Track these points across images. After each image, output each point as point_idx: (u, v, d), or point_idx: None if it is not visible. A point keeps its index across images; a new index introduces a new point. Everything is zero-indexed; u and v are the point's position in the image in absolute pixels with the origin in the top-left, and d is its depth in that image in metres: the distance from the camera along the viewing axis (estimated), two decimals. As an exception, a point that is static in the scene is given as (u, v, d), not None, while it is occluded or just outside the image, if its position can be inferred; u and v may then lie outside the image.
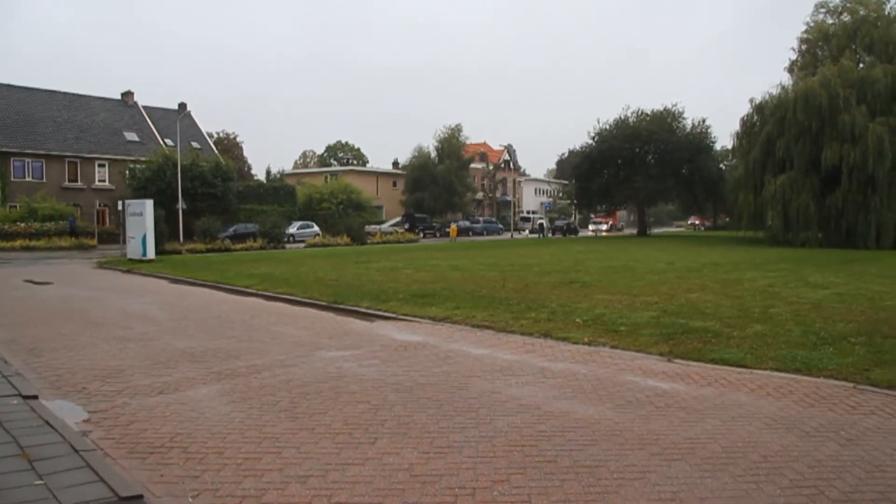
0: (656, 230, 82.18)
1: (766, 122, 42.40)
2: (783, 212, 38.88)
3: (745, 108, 45.05)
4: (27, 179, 50.79)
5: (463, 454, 5.62)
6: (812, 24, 46.27)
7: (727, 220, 66.98)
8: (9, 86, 55.45)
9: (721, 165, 61.99)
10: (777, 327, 10.99)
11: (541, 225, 72.10)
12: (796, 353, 9.05)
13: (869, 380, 7.79)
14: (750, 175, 42.01)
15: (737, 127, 46.45)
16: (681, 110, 59.53)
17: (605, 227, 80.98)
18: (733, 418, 6.51)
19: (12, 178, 50.16)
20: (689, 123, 59.07)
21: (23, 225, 43.17)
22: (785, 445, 5.77)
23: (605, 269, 22.50)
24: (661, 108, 59.71)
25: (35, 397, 7.25)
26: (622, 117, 60.43)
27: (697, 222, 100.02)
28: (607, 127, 60.42)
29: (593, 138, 60.88)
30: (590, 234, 75.51)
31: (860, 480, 5.02)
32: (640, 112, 60.34)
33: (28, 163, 51.23)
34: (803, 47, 46.93)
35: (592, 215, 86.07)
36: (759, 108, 44.07)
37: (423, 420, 6.54)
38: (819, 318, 11.77)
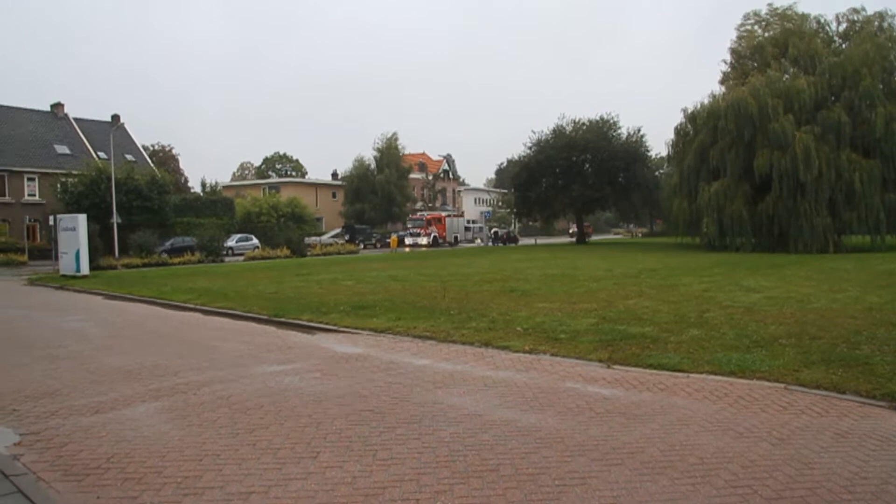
0: (595, 237, 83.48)
1: (699, 130, 43.49)
2: (718, 218, 39.88)
3: (679, 118, 46.04)
4: (-50, 193, 48.90)
5: (406, 465, 5.62)
6: (743, 35, 47.61)
7: (664, 226, 68.42)
8: (-71, 97, 53.32)
9: (657, 173, 63.34)
10: (712, 331, 11.26)
11: (495, 233, 73.59)
12: (731, 357, 9.29)
13: (798, 380, 8.05)
14: (685, 182, 43.03)
15: (671, 136, 47.59)
16: (616, 119, 60.72)
17: (423, 240, 63.75)
18: (671, 422, 6.65)
19: (-66, 193, 48.25)
20: (624, 132, 60.23)
21: (-54, 241, 41.66)
22: (720, 447, 5.92)
23: (545, 277, 22.74)
24: (598, 118, 60.76)
25: (-39, 421, 7.01)
26: (559, 126, 61.27)
27: (633, 227, 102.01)
28: (544, 136, 61.17)
29: (531, 148, 61.58)
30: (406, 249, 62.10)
31: (790, 478, 5.18)
32: (576, 121, 61.29)
33: (-49, 176, 49.34)
34: (733, 58, 48.25)
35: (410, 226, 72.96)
36: (692, 118, 45.19)
37: (365, 432, 6.52)
38: (752, 322, 12.10)
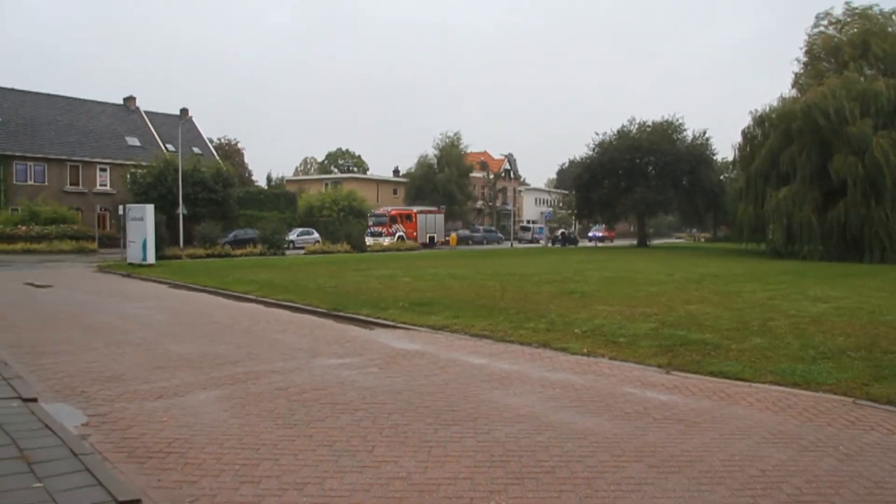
0: (657, 241, 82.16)
1: (767, 134, 42.41)
2: (785, 224, 38.79)
3: (745, 121, 45.06)
4: (29, 183, 50.84)
5: (461, 464, 5.62)
6: (816, 36, 46.29)
7: (727, 231, 66.97)
8: (12, 90, 55.62)
9: (722, 177, 62.00)
10: (776, 340, 10.98)
11: (562, 234, 71.49)
12: (795, 367, 9.04)
13: (868, 395, 7.77)
14: (751, 187, 42.01)
15: (738, 139, 46.49)
16: (682, 122, 59.67)
17: (386, 240, 55.35)
18: (731, 431, 6.51)
19: (14, 182, 50.22)
20: (689, 135, 59.16)
21: (24, 228, 43.23)
22: (783, 460, 5.76)
23: (605, 280, 22.50)
24: (662, 120, 59.83)
25: (35, 400, 7.28)
26: (624, 128, 60.54)
27: (696, 232, 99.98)
28: (608, 138, 60.49)
29: (594, 149, 60.95)
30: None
31: (858, 497, 5.01)
32: (641, 123, 60.47)
33: (30, 166, 51.30)
34: (807, 59, 46.98)
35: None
36: (761, 121, 44.09)
37: (420, 429, 6.54)
38: (818, 332, 11.76)
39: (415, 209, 61.81)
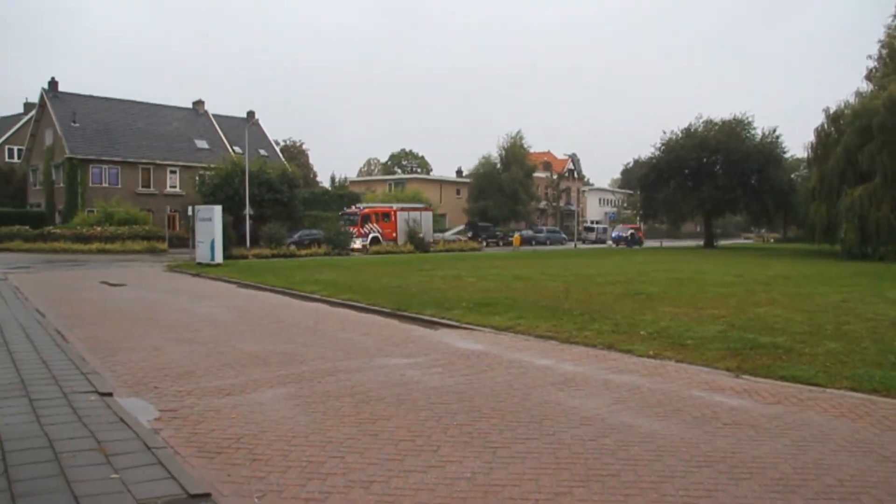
0: (724, 242, 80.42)
1: (843, 130, 41.04)
2: (860, 224, 37.46)
3: (819, 119, 43.49)
4: (104, 185, 52.65)
5: (525, 465, 5.60)
6: (893, 27, 44.64)
7: (798, 232, 65.12)
8: (89, 96, 57.69)
9: (792, 176, 60.31)
10: (852, 345, 10.62)
11: (632, 234, 70.51)
12: (873, 373, 8.72)
13: (953, 404, 7.46)
14: (824, 186, 40.76)
15: (809, 137, 45.14)
16: (751, 119, 58.23)
17: (357, 242, 48.38)
18: (805, 438, 6.32)
19: (90, 184, 52.06)
20: (758, 133, 57.72)
21: (99, 229, 44.76)
22: (861, 470, 5.56)
23: (671, 281, 22.14)
24: (731, 118, 58.51)
25: (110, 395, 7.52)
26: (691, 126, 59.43)
27: (764, 232, 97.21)
28: (675, 136, 59.47)
29: (660, 148, 59.99)
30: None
31: (941, 507, 4.82)
32: (708, 121, 59.27)
33: (105, 169, 53.11)
34: (884, 52, 45.34)
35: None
36: (835, 118, 42.75)
37: (485, 429, 6.53)
38: (897, 336, 11.34)
39: (395, 206, 54.88)
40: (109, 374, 8.89)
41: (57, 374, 8.42)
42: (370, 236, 49.19)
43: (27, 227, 47.04)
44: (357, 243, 47.39)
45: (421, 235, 50.01)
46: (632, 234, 71.41)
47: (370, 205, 53.76)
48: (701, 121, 59.59)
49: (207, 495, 4.78)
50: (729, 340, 10.94)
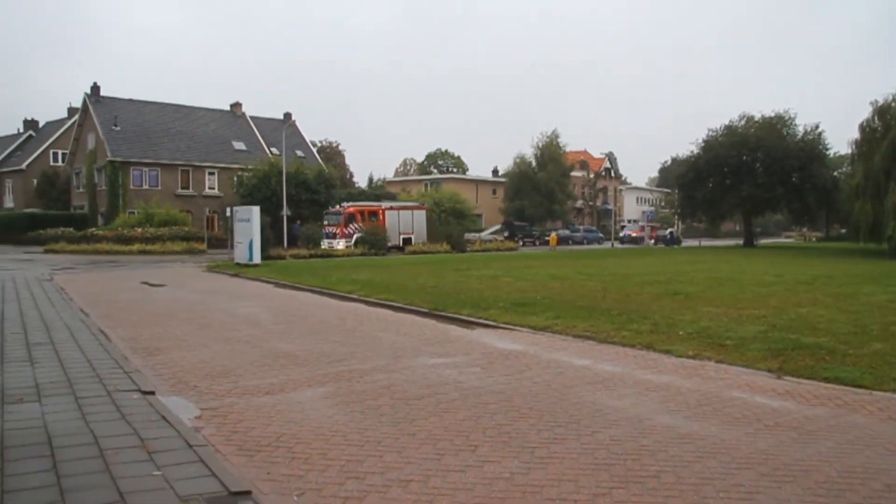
0: (764, 241, 79.21)
1: (889, 125, 40.08)
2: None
3: (865, 113, 42.39)
4: (144, 187, 53.65)
5: (564, 465, 5.58)
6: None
7: (841, 230, 63.89)
8: (130, 100, 58.81)
9: (835, 173, 59.15)
10: (899, 346, 10.38)
11: (670, 233, 69.61)
12: (922, 375, 8.52)
13: None
14: (870, 182, 39.83)
15: (854, 133, 44.13)
16: (793, 116, 57.21)
17: (340, 243, 45.10)
18: (850, 441, 6.20)
19: (131, 186, 53.07)
20: (800, 130, 56.70)
21: (140, 230, 45.57)
22: (911, 474, 5.43)
23: (710, 281, 21.87)
24: (772, 114, 57.57)
25: (152, 393, 7.65)
26: (731, 124, 58.59)
27: (806, 230, 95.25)
28: (714, 134, 58.72)
29: (699, 146, 59.26)
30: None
31: None
32: (748, 118, 58.38)
33: (145, 171, 54.12)
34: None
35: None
36: (882, 111, 41.76)
37: (523, 429, 6.52)
38: (947, 338, 11.04)
39: (384, 204, 50.23)
40: (151, 372, 9.04)
41: (101, 372, 8.59)
42: (355, 237, 45.26)
43: (71, 229, 48.15)
44: (339, 245, 43.86)
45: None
46: (671, 233, 70.52)
47: (356, 203, 49.27)
48: (741, 118, 58.78)
49: (248, 493, 4.83)
50: (770, 341, 10.77)
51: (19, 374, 8.44)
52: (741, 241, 65.14)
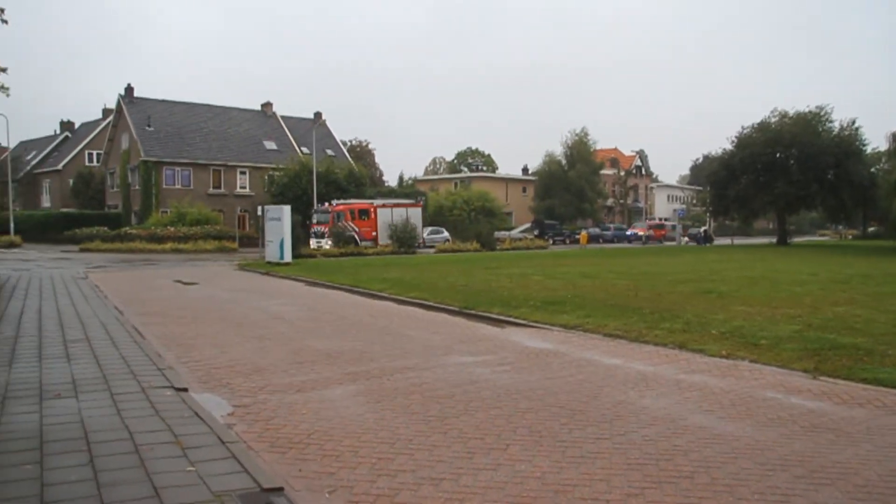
0: (798, 239, 78.10)
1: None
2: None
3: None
4: (176, 187, 54.35)
5: (596, 465, 5.54)
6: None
7: (879, 228, 62.71)
8: (162, 101, 59.59)
9: (873, 170, 58.02)
10: (940, 346, 10.16)
11: (704, 231, 68.70)
12: (963, 376, 8.34)
13: None
14: (909, 178, 39.07)
15: (891, 127, 43.30)
16: (829, 111, 56.25)
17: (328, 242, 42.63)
18: (891, 444, 6.08)
19: (164, 186, 53.75)
20: (836, 125, 55.71)
21: (172, 229, 46.13)
22: (953, 477, 5.30)
23: (743, 280, 21.60)
24: (807, 110, 56.68)
25: (185, 390, 7.73)
26: (765, 120, 57.78)
27: (842, 228, 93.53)
28: (745, 132, 57.97)
29: (732, 143, 58.55)
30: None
31: None
32: (782, 114, 57.54)
33: (177, 171, 54.82)
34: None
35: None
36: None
37: (555, 428, 6.49)
38: None
39: (376, 202, 47.76)
40: (184, 370, 9.14)
41: (135, 369, 8.70)
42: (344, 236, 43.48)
43: (105, 228, 48.87)
44: (327, 244, 41.72)
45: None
46: (705, 231, 69.53)
47: (345, 201, 46.95)
48: (774, 114, 57.97)
49: (280, 489, 4.86)
50: (805, 341, 10.61)
51: (57, 371, 8.59)
52: (774, 240, 64.23)
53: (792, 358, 9.50)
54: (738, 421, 6.76)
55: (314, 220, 45.01)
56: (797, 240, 73.32)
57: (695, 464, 5.56)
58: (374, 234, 45.29)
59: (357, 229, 44.25)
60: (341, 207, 44.94)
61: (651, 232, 70.60)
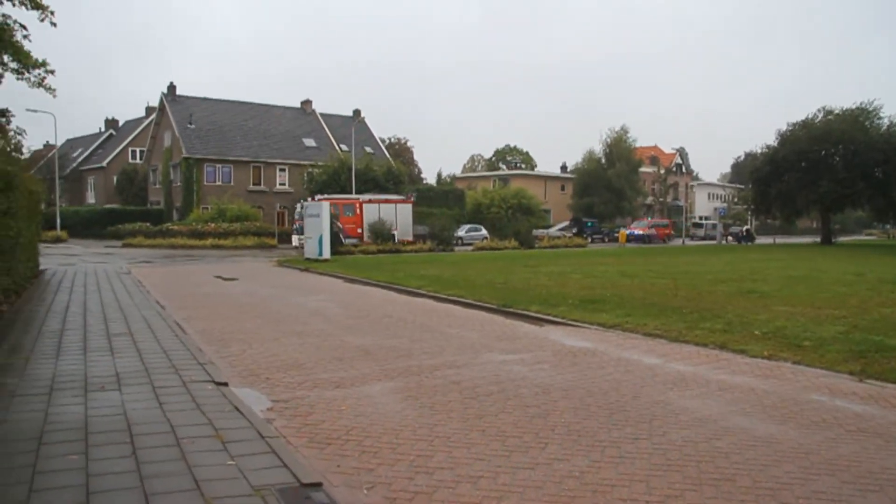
0: (843, 238, 76.53)
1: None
2: None
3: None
4: (217, 183, 55.11)
5: (635, 465, 5.48)
6: None
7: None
8: (204, 99, 60.46)
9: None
10: None
11: (747, 231, 67.35)
12: None
13: None
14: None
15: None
16: (879, 107, 54.88)
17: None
18: (942, 449, 5.92)
19: (205, 182, 54.53)
20: (885, 121, 54.35)
21: (213, 225, 46.73)
22: None
23: (786, 279, 21.23)
24: (854, 106, 55.44)
25: (226, 384, 7.82)
26: (810, 117, 56.67)
27: (890, 228, 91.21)
28: (789, 129, 56.94)
29: (776, 140, 57.56)
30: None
31: None
32: (827, 111, 56.37)
33: (218, 168, 55.57)
34: None
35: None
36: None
37: (593, 428, 6.44)
38: None
39: (363, 197, 44.73)
40: (224, 364, 9.24)
41: (176, 363, 8.82)
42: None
43: (148, 224, 49.79)
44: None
45: (393, 231, 42.13)
46: (747, 230, 68.21)
47: (330, 196, 43.74)
48: (820, 111, 56.83)
49: (319, 485, 4.89)
50: (851, 342, 10.37)
51: (101, 364, 8.74)
52: (818, 239, 62.99)
53: (837, 360, 9.29)
54: (781, 423, 6.64)
55: (295, 217, 42.95)
56: (842, 239, 71.84)
57: (736, 466, 5.48)
58: (359, 230, 43.11)
59: (341, 226, 41.36)
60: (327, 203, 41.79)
61: (653, 231, 66.31)
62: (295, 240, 41.54)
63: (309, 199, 44.06)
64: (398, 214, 44.46)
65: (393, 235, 42.28)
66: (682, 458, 5.66)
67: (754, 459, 5.63)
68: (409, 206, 45.94)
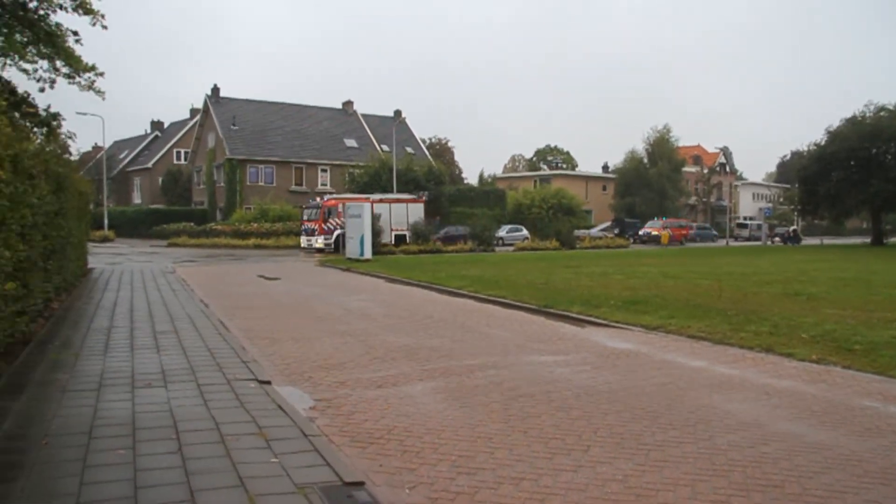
0: (894, 239, 74.64)
1: None
2: None
3: None
4: (259, 184, 55.83)
5: (680, 470, 5.39)
6: None
7: None
8: (247, 100, 61.32)
9: None
10: None
11: (794, 231, 65.92)
12: None
13: None
14: None
15: None
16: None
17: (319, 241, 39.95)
18: None
19: (247, 183, 55.25)
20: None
21: (255, 225, 47.29)
22: None
23: (835, 281, 20.76)
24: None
25: (269, 383, 7.89)
26: (858, 114, 55.26)
27: None
28: (838, 127, 55.62)
29: (823, 137, 56.27)
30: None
31: None
32: (878, 107, 54.86)
33: (261, 169, 56.30)
34: None
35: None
36: None
37: (637, 431, 6.35)
38: None
39: (372, 197, 41.29)
40: (267, 363, 9.32)
41: (220, 361, 8.93)
42: (335, 234, 39.40)
43: (192, 224, 50.69)
44: (318, 242, 39.39)
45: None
46: (794, 231, 66.73)
47: (338, 196, 43.38)
48: (869, 107, 55.35)
49: (361, 484, 4.90)
50: (904, 346, 10.10)
51: (147, 361, 8.88)
52: (868, 240, 61.46)
53: (890, 365, 9.03)
54: (831, 429, 6.48)
55: (303, 217, 42.64)
56: (894, 240, 70.08)
57: (785, 472, 5.36)
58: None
59: (382, 227, 39.89)
60: (332, 202, 40.81)
61: (668, 232, 61.91)
62: (303, 240, 41.32)
63: (316, 198, 44.95)
64: (409, 214, 42.90)
65: (404, 235, 41.83)
66: (727, 462, 5.56)
67: (803, 466, 5.51)
68: (421, 205, 44.34)
